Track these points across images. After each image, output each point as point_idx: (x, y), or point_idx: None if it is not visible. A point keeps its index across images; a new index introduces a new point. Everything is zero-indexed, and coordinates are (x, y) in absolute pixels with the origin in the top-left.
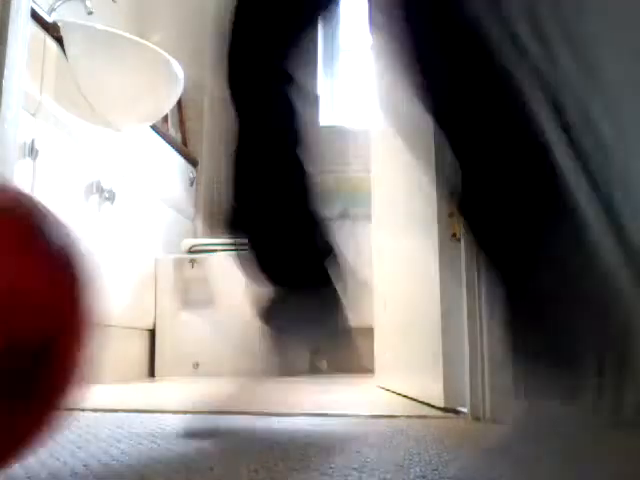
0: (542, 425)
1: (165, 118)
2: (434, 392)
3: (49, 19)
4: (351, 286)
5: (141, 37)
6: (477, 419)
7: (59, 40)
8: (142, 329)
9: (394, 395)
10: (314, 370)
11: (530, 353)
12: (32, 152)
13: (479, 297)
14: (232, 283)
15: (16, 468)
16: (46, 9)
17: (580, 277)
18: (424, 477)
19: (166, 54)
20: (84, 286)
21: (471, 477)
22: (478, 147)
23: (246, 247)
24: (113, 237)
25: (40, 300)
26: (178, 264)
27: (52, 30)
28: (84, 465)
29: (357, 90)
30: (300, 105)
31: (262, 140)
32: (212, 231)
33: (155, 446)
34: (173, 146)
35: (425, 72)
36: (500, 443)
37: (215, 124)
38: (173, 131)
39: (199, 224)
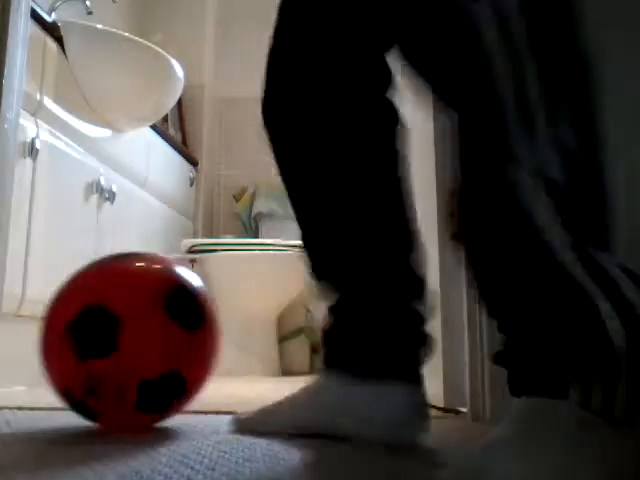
0: (539, 421)
1: (165, 118)
2: (434, 392)
3: (49, 19)
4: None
5: (141, 37)
6: (477, 419)
7: (59, 40)
8: None
9: None
10: (314, 370)
11: (520, 351)
12: (32, 152)
13: (479, 297)
14: (232, 283)
15: (16, 468)
16: (46, 9)
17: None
18: (424, 477)
19: (166, 54)
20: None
21: (471, 474)
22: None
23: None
24: (113, 237)
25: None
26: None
27: (52, 30)
28: (84, 465)
29: None
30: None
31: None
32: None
33: (155, 446)
34: (173, 146)
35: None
36: (498, 439)
37: (215, 124)
38: (173, 131)
39: (199, 224)
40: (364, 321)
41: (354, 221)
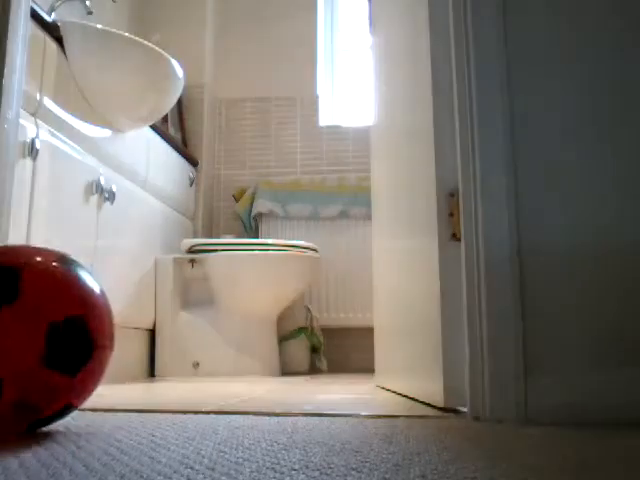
0: None
1: (165, 118)
2: (434, 392)
3: (49, 19)
4: None
5: (141, 37)
6: (477, 419)
7: (59, 40)
8: (142, 329)
9: (394, 395)
10: (314, 370)
11: None
12: (32, 152)
13: (479, 297)
14: (232, 283)
15: (16, 468)
16: (46, 9)
17: None
18: (424, 477)
19: (166, 54)
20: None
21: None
22: None
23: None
24: (113, 237)
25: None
26: (178, 264)
27: (52, 30)
28: (84, 465)
29: (357, 90)
30: None
31: None
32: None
33: (155, 446)
34: (173, 146)
35: None
36: None
37: (215, 124)
38: (173, 131)
39: (199, 224)
40: None
41: None
